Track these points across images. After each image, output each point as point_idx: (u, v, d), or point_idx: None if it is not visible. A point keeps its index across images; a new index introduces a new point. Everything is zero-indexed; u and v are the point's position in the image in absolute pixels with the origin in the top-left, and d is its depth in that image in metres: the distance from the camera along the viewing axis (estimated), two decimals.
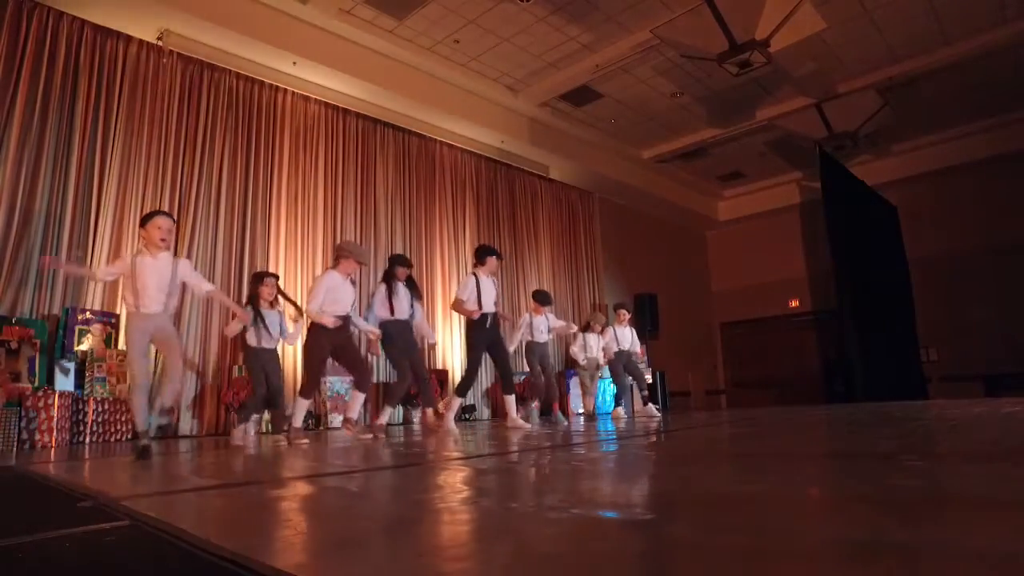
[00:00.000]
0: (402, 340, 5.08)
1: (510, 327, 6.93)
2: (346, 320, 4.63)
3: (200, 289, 3.85)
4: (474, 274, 5.39)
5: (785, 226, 12.85)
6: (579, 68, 8.45)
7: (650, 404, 7.48)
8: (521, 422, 5.29)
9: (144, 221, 3.64)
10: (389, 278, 5.18)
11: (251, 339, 4.54)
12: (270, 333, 4.57)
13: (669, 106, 9.66)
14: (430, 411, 5.28)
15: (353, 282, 4.86)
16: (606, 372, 7.84)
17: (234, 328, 4.72)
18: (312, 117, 7.63)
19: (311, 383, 4.60)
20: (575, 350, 7.42)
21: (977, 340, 10.29)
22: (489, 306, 5.30)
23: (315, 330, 4.50)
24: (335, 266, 4.69)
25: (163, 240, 3.55)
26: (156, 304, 3.59)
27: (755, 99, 9.59)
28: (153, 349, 4.15)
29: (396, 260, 5.34)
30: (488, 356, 5.45)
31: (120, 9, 5.91)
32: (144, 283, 3.53)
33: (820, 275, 11.72)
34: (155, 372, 5.09)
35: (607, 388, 8.90)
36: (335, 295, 4.56)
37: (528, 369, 6.85)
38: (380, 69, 7.69)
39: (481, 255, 5.47)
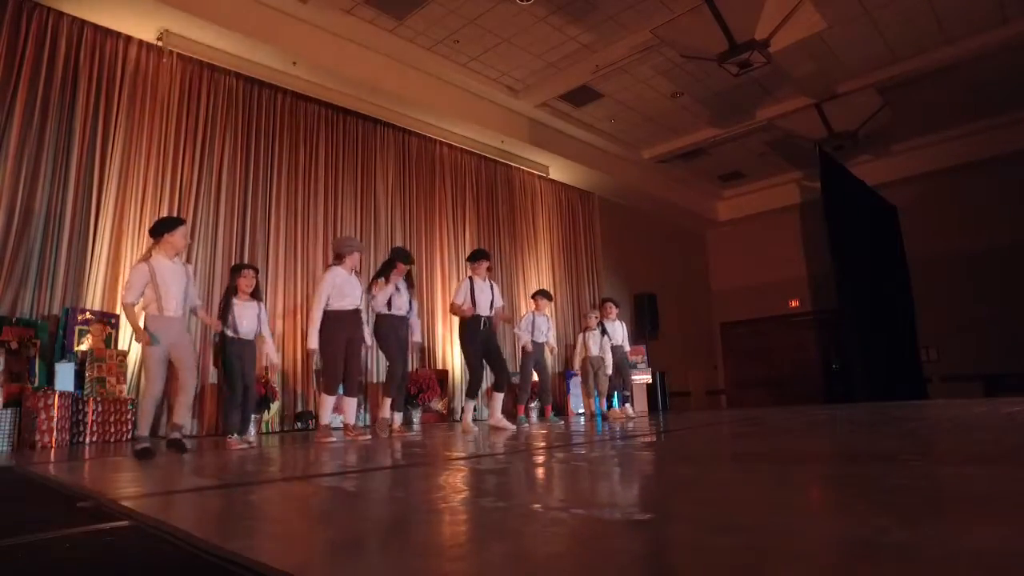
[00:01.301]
0: (395, 335, 5.11)
1: (511, 329, 6.89)
2: (357, 314, 4.63)
3: (192, 299, 3.91)
4: (469, 278, 5.45)
5: (785, 226, 12.85)
6: (579, 68, 8.44)
7: (617, 407, 7.47)
8: (505, 422, 5.29)
9: (171, 227, 3.71)
10: (390, 272, 5.17)
11: (228, 330, 4.33)
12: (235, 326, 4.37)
13: (669, 106, 9.65)
14: (398, 416, 5.27)
15: (358, 274, 4.87)
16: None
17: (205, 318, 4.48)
18: (312, 117, 7.63)
19: (331, 378, 4.55)
20: (580, 350, 7.42)
21: (977, 340, 10.28)
22: (484, 309, 5.30)
23: (328, 324, 4.50)
24: (339, 263, 4.69)
25: (185, 246, 3.65)
26: (177, 307, 3.64)
27: (755, 99, 9.59)
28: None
29: (401, 256, 5.32)
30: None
31: (120, 9, 5.91)
32: (167, 287, 3.58)
33: (820, 275, 11.71)
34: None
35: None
36: (342, 290, 4.57)
37: (519, 370, 6.83)
38: (380, 69, 7.69)
39: (468, 259, 5.68)
